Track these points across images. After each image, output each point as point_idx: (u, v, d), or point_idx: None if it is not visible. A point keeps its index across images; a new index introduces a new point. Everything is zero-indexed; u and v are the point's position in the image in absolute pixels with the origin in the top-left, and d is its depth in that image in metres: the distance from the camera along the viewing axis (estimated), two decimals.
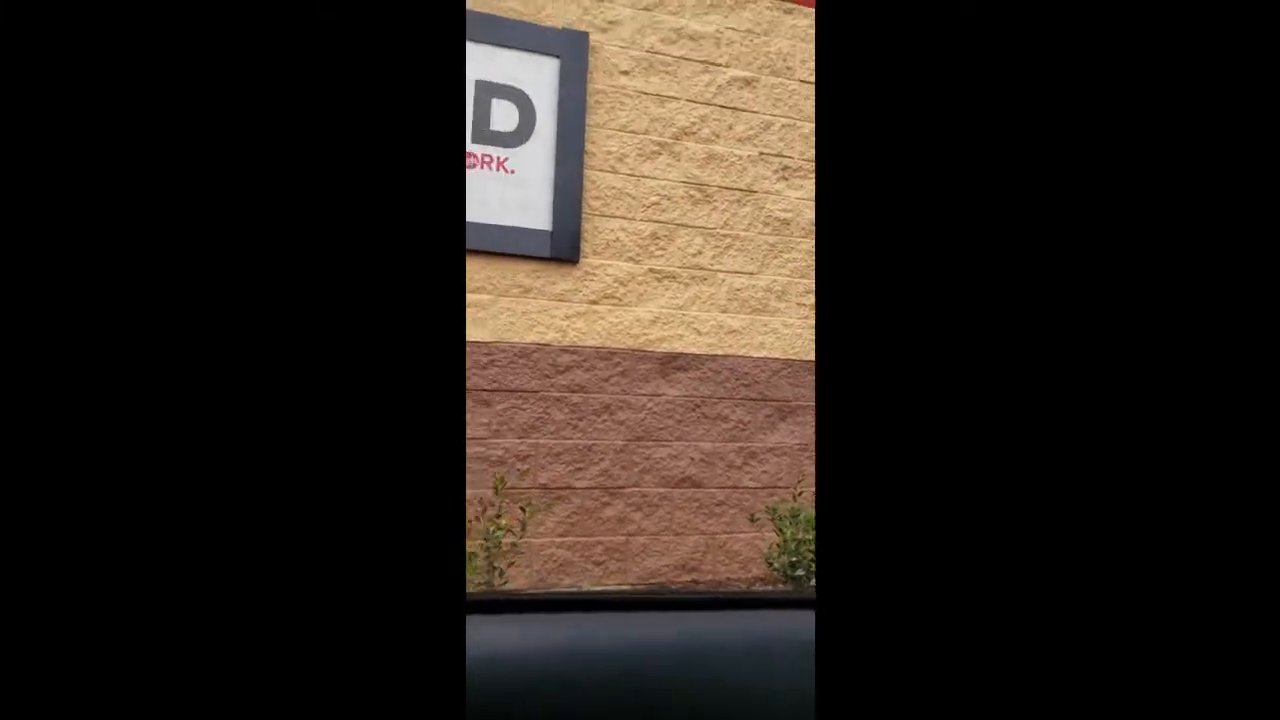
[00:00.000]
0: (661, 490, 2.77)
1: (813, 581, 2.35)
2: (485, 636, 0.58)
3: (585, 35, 2.64)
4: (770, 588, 2.58)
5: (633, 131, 2.72)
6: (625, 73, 2.72)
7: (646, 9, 2.77)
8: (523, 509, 2.36)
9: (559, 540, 2.68)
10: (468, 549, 2.32)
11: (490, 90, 2.58)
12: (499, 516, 2.45)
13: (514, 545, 2.44)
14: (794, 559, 2.47)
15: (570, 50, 2.63)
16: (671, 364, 2.75)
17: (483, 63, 2.57)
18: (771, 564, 2.60)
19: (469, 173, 2.57)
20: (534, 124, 2.62)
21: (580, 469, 2.69)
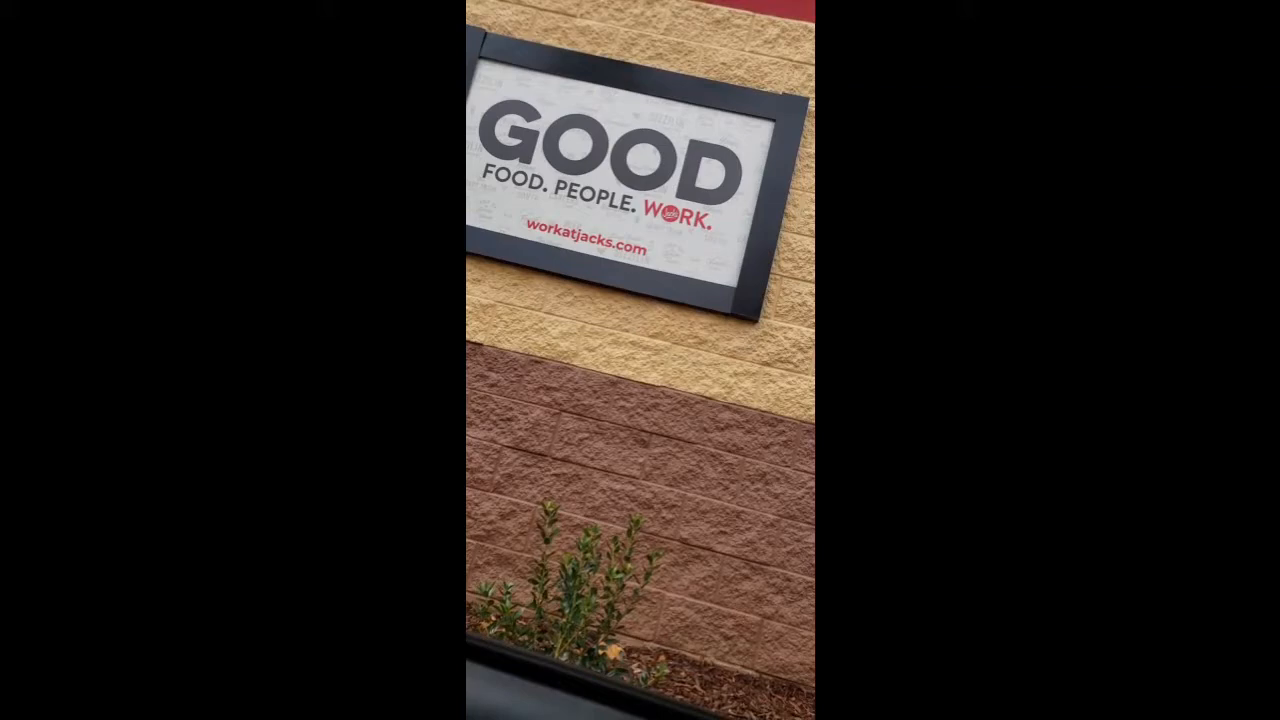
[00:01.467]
0: (808, 579, 2.52)
1: None
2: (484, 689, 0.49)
3: (805, 100, 2.63)
4: None
5: None
6: None
7: None
8: (649, 557, 2.33)
9: (690, 601, 2.58)
10: (589, 582, 2.35)
11: (701, 149, 2.69)
12: (628, 559, 2.44)
13: (635, 592, 2.41)
14: None
15: (787, 114, 2.64)
16: None
17: (696, 125, 2.69)
18: None
19: (669, 225, 2.68)
20: (738, 183, 2.66)
21: (725, 533, 2.58)
